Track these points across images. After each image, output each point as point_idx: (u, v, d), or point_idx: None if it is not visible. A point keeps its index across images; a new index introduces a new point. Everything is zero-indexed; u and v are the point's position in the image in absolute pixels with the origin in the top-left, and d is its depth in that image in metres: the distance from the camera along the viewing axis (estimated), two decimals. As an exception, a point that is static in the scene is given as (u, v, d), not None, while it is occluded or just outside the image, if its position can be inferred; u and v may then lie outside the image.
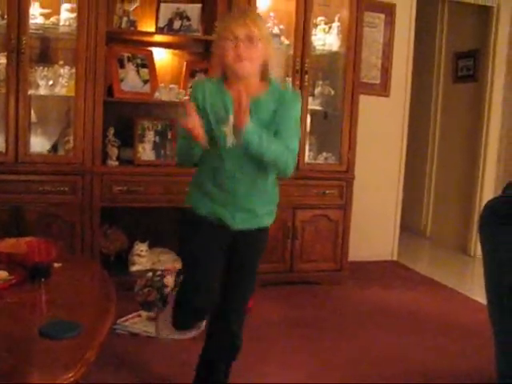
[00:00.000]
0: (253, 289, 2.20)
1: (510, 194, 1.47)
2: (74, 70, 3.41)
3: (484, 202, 1.87)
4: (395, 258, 4.96)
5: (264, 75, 2.04)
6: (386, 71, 4.73)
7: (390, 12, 4.66)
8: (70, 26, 3.42)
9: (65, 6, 3.44)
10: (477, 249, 4.87)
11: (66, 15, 3.43)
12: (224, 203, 2.03)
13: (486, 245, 1.54)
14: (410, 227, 5.93)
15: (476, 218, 4.58)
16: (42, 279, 1.99)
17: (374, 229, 4.80)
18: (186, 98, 1.91)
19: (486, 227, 1.50)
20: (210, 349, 2.23)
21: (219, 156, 1.99)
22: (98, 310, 1.83)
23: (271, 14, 3.90)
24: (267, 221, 2.13)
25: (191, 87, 2.10)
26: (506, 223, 1.40)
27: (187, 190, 2.19)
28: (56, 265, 2.15)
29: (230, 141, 1.94)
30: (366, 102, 4.39)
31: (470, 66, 5.47)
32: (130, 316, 3.05)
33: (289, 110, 2.01)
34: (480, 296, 3.56)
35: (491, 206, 1.47)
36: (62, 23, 3.44)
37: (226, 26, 1.97)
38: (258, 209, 2.06)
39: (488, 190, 5.15)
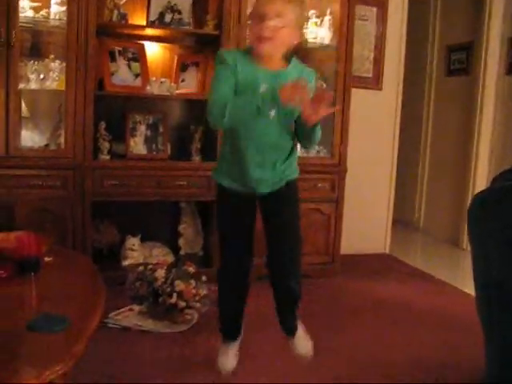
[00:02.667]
0: (301, 240, 2.31)
1: (496, 187, 1.46)
2: (64, 64, 3.39)
3: (476, 194, 1.87)
4: (387, 251, 4.98)
5: (286, 57, 2.14)
6: (378, 65, 4.72)
7: (382, 5, 4.66)
8: (60, 19, 3.40)
9: (54, 0, 3.42)
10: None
11: (56, 8, 3.40)
12: (249, 171, 2.15)
13: (474, 238, 1.54)
14: (402, 220, 5.95)
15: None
16: (32, 273, 1.99)
17: (367, 222, 4.81)
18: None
19: (474, 221, 1.50)
20: (277, 303, 2.38)
21: (246, 122, 2.08)
22: (87, 303, 1.83)
23: (263, 7, 3.88)
24: (293, 175, 2.27)
25: (218, 54, 2.13)
26: (493, 216, 1.40)
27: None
28: (46, 259, 2.15)
29: (264, 111, 2.02)
30: (358, 95, 4.39)
31: (462, 60, 5.47)
32: (122, 310, 3.05)
33: (312, 87, 2.11)
34: (472, 289, 3.57)
35: (479, 199, 1.47)
36: (52, 16, 3.42)
37: (257, 5, 2.06)
38: (282, 168, 2.20)
39: (480, 183, 5.16)
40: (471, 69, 5.31)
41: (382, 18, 4.67)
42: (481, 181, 5.17)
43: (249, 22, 2.10)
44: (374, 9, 4.63)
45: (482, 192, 1.49)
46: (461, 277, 4.36)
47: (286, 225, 2.25)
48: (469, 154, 5.29)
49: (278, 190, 2.22)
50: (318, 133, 2.17)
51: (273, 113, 2.08)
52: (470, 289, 3.78)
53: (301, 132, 2.19)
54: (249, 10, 3.75)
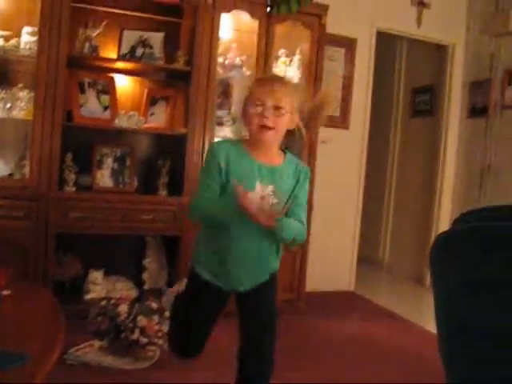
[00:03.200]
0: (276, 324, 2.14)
1: (458, 228, 1.48)
2: (33, 94, 3.38)
3: (439, 234, 1.90)
4: (352, 289, 4.99)
5: (281, 147, 2.08)
6: (345, 104, 4.81)
7: (350, 46, 4.77)
8: (30, 49, 3.39)
9: (26, 29, 3.41)
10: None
11: (27, 38, 3.40)
12: (231, 270, 2.02)
13: (435, 278, 1.55)
14: (367, 258, 5.99)
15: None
16: (-11, 307, 1.94)
17: (332, 260, 4.83)
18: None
19: (435, 260, 1.52)
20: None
21: (235, 221, 1.93)
22: (46, 339, 1.78)
23: (233, 45, 3.95)
24: (277, 265, 2.14)
25: (212, 146, 2.06)
26: (454, 257, 1.42)
27: (194, 248, 2.18)
28: (4, 292, 2.09)
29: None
30: (325, 133, 4.46)
31: (426, 101, 5.63)
32: (82, 346, 2.97)
33: (304, 186, 2.06)
34: (435, 327, 3.59)
35: (441, 237, 1.48)
36: (22, 46, 3.41)
37: (256, 91, 1.96)
38: (269, 261, 2.09)
39: (444, 223, 5.25)
40: (435, 110, 5.46)
41: (351, 60, 4.78)
42: (444, 221, 5.26)
43: (246, 106, 1.97)
44: (343, 50, 4.74)
45: (443, 233, 1.51)
46: (425, 315, 4.39)
47: (268, 322, 2.10)
48: (432, 194, 5.39)
49: (261, 283, 2.09)
50: (288, 232, 1.97)
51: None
52: (433, 327, 3.81)
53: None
54: (221, 47, 3.82)
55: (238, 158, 1.96)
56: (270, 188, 1.96)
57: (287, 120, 1.97)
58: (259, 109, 1.92)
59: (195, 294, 2.14)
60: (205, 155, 2.06)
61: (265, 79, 2.14)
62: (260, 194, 1.93)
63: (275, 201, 1.95)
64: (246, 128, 2.02)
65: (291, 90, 2.00)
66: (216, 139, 3.69)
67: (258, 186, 1.94)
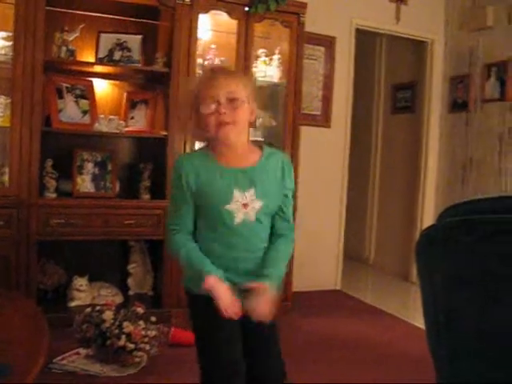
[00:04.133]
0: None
1: (443, 222, 1.48)
2: (10, 100, 3.32)
3: (424, 229, 1.90)
4: (339, 287, 4.99)
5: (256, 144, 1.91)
6: (327, 102, 4.81)
7: (329, 45, 4.77)
8: (5, 54, 3.34)
9: (0, 34, 3.36)
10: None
11: (2, 43, 3.36)
12: (230, 278, 1.81)
13: (422, 273, 1.55)
14: (353, 256, 5.99)
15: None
16: (-30, 318, 1.90)
17: (317, 258, 4.82)
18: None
19: (421, 255, 1.51)
20: None
21: (222, 234, 1.80)
22: (29, 349, 1.74)
23: (212, 45, 3.92)
24: None
25: (176, 165, 1.84)
26: (439, 252, 1.41)
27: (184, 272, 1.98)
28: (-15, 302, 2.06)
29: (239, 217, 1.79)
30: (307, 132, 4.45)
31: (407, 98, 5.65)
32: (68, 354, 2.93)
33: (291, 176, 1.90)
34: (421, 322, 3.60)
35: (426, 233, 1.48)
36: (-3, 51, 3.37)
37: (203, 88, 1.77)
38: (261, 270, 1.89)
39: (428, 217, 5.27)
40: (416, 107, 5.48)
41: (330, 58, 4.77)
42: (428, 216, 5.28)
43: (197, 111, 1.78)
44: (322, 48, 4.73)
45: (428, 228, 1.50)
46: (411, 310, 4.40)
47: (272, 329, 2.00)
48: (416, 190, 5.41)
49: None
50: (281, 276, 1.90)
51: (253, 217, 1.81)
52: (420, 322, 3.82)
53: None
54: (200, 48, 3.79)
55: (206, 170, 1.79)
56: (251, 192, 1.79)
57: (246, 111, 1.80)
58: (213, 106, 1.74)
59: (209, 317, 1.82)
60: (171, 175, 1.89)
61: (209, 74, 1.87)
62: (241, 201, 1.78)
63: (259, 204, 1.80)
64: (204, 135, 1.83)
65: (242, 79, 1.85)
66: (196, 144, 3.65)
67: (236, 194, 1.77)
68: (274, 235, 1.91)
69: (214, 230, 1.81)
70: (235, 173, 1.80)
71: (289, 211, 1.92)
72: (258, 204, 1.80)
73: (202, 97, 1.76)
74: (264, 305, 1.75)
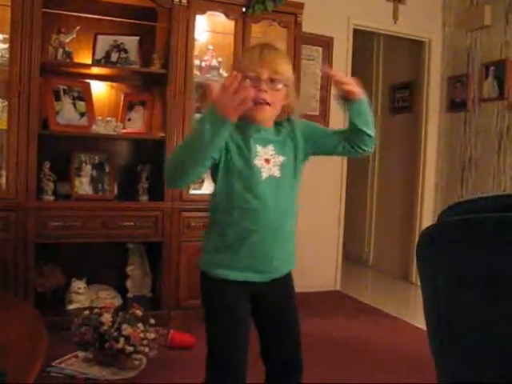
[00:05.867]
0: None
1: (444, 221, 1.47)
2: (6, 103, 3.31)
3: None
4: (338, 288, 4.98)
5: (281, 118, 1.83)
6: (324, 103, 4.80)
7: (327, 45, 4.76)
8: (2, 56, 3.33)
9: (-4, 37, 3.35)
10: (418, 276, 4.95)
11: (-2, 46, 3.34)
12: (254, 257, 1.77)
13: (423, 272, 1.53)
14: (352, 257, 5.98)
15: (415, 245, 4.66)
16: (-33, 322, 1.88)
17: (317, 259, 4.80)
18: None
19: (423, 254, 1.50)
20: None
21: (248, 194, 1.73)
22: (27, 353, 1.73)
23: (210, 47, 3.91)
24: (293, 259, 1.98)
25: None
26: (441, 251, 1.39)
27: (202, 253, 1.86)
28: (-17, 306, 2.04)
29: (265, 173, 1.75)
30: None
31: (405, 98, 5.64)
32: (66, 357, 2.91)
33: (311, 126, 1.91)
34: (421, 323, 3.59)
35: (427, 233, 1.47)
36: (-7, 54, 3.35)
37: (246, 61, 1.73)
38: (288, 252, 1.91)
39: (427, 217, 5.26)
40: (414, 106, 5.47)
41: (328, 58, 4.77)
42: (427, 216, 5.27)
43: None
44: (320, 49, 4.73)
45: (429, 227, 1.49)
46: (411, 311, 4.39)
47: (296, 316, 1.96)
48: (415, 190, 5.40)
49: (287, 274, 1.93)
50: (368, 107, 1.88)
51: (277, 172, 1.78)
52: (420, 323, 3.81)
53: (354, 113, 1.85)
54: (198, 50, 3.78)
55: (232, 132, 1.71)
56: (270, 146, 1.77)
57: (284, 95, 1.75)
58: (256, 83, 1.68)
59: (222, 300, 1.79)
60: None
61: (255, 47, 1.80)
62: (263, 156, 1.75)
63: (281, 158, 1.78)
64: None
65: (286, 59, 1.78)
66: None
67: (258, 148, 1.74)
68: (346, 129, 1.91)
69: (241, 193, 1.73)
70: (255, 128, 1.76)
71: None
72: (279, 159, 1.78)
73: (244, 68, 1.70)
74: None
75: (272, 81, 1.70)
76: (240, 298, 1.79)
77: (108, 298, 3.63)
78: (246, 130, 1.75)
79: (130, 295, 3.85)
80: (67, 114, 3.60)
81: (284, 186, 1.79)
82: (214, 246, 1.80)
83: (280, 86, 1.72)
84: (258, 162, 1.74)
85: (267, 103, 1.71)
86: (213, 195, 1.82)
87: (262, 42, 1.85)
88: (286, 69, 1.74)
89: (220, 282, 1.77)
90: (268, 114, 1.74)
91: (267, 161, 1.76)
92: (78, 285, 3.56)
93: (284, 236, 1.83)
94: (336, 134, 1.93)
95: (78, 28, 3.60)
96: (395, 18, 5.02)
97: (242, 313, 1.80)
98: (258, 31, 3.95)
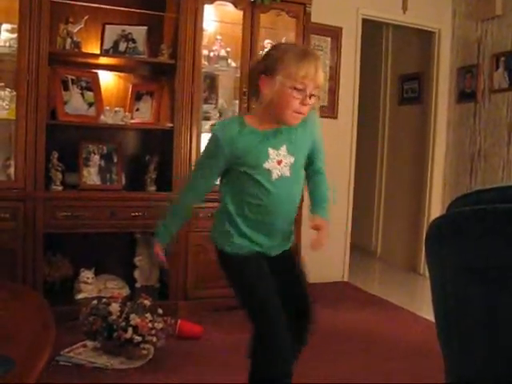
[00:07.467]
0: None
1: (453, 212, 1.45)
2: (15, 93, 3.31)
3: (432, 221, 1.88)
4: (346, 279, 4.97)
5: None
6: (333, 93, 4.78)
7: (336, 35, 4.73)
8: (10, 46, 3.33)
9: (5, 27, 3.34)
10: (426, 267, 4.93)
11: (7, 36, 3.33)
12: (265, 237, 2.03)
13: (432, 264, 1.52)
14: (360, 248, 5.97)
15: (424, 236, 4.64)
16: (-24, 311, 1.89)
17: (324, 250, 4.75)
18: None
19: (432, 246, 1.49)
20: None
21: (261, 192, 1.94)
22: (35, 342, 1.73)
23: (218, 37, 3.90)
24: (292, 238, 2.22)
25: (215, 135, 1.93)
26: (450, 242, 1.38)
27: (216, 234, 2.10)
28: (-8, 295, 2.05)
29: (276, 174, 1.94)
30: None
31: (414, 89, 5.60)
32: (75, 346, 2.93)
33: (317, 132, 2.08)
34: (429, 314, 3.58)
35: (436, 224, 1.46)
36: (1, 44, 3.34)
37: (298, 71, 1.81)
38: (290, 233, 2.18)
39: (435, 209, 5.24)
40: (423, 97, 5.44)
41: (337, 49, 4.74)
42: (435, 207, 5.25)
43: (283, 85, 1.83)
44: (329, 39, 4.70)
45: (438, 218, 1.48)
46: (419, 302, 4.38)
47: (305, 281, 2.28)
48: (423, 181, 5.37)
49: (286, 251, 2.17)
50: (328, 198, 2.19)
51: (287, 172, 1.96)
52: (427, 314, 3.80)
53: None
54: (206, 40, 3.76)
55: (242, 139, 1.90)
56: (283, 148, 1.94)
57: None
58: (300, 94, 1.83)
59: (245, 263, 2.01)
60: (207, 142, 2.00)
61: (306, 56, 1.85)
62: (276, 159, 1.93)
63: (291, 159, 1.95)
64: (270, 104, 1.88)
65: (321, 68, 1.90)
66: (203, 134, 3.65)
67: (270, 152, 1.92)
68: (310, 173, 2.14)
69: (252, 191, 1.94)
70: (266, 134, 1.93)
71: (321, 164, 2.16)
72: (290, 159, 1.95)
73: (293, 77, 1.81)
74: (324, 238, 2.10)
75: (312, 95, 1.86)
76: (260, 261, 2.02)
77: (116, 288, 3.65)
78: (263, 137, 1.93)
79: (137, 285, 3.87)
80: (75, 104, 3.60)
81: (293, 182, 2.00)
82: (226, 233, 2.02)
83: (315, 98, 1.89)
84: (269, 164, 1.93)
85: (304, 115, 1.89)
86: (224, 190, 2.04)
87: (309, 50, 1.98)
88: (322, 80, 1.88)
89: (238, 254, 2.01)
90: (299, 121, 1.92)
91: (279, 162, 1.94)
92: (87, 275, 3.58)
93: (290, 221, 2.12)
94: (311, 162, 2.14)
95: (86, 18, 3.59)
96: (404, 8, 4.97)
97: (265, 270, 2.02)
98: (267, 21, 3.93)
